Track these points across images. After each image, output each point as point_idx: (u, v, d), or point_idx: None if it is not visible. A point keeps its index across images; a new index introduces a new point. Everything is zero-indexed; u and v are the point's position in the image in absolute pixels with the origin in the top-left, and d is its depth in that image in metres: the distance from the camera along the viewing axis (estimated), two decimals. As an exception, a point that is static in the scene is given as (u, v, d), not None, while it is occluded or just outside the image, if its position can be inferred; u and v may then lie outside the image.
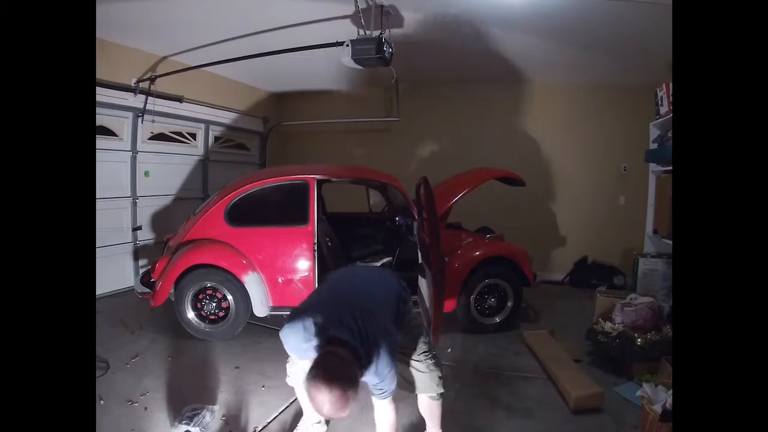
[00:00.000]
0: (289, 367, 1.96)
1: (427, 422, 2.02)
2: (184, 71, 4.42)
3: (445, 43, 4.09)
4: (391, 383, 1.58)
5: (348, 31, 3.50)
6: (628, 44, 3.75)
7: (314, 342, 1.48)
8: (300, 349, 1.54)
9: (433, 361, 1.90)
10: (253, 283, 3.23)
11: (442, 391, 1.91)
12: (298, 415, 2.25)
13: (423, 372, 1.87)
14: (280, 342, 1.59)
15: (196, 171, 5.37)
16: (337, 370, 1.33)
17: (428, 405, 1.96)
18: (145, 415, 2.28)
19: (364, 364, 1.46)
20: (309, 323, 1.50)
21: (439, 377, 1.90)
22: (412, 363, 1.86)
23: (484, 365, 3.00)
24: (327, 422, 2.19)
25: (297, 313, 1.58)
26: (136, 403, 2.38)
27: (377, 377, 1.53)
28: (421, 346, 1.88)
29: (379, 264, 3.62)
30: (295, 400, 2.47)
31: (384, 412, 1.70)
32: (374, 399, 1.68)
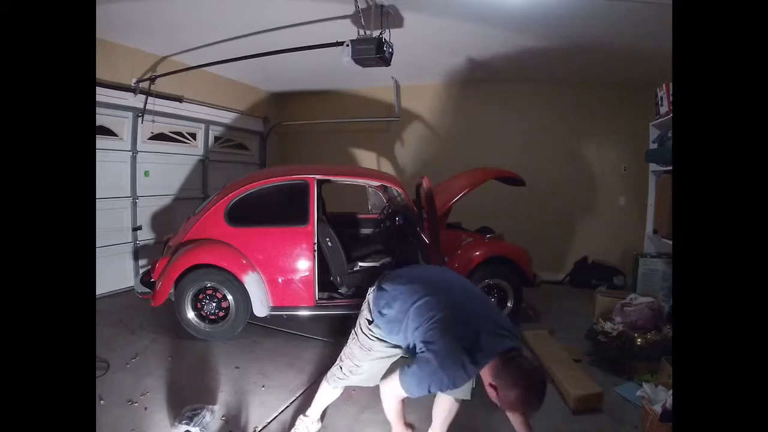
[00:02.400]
0: (356, 367, 1.85)
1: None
2: (184, 71, 4.42)
3: (445, 43, 4.10)
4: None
5: (348, 31, 3.50)
6: (628, 44, 3.75)
7: (479, 365, 1.47)
8: (462, 379, 1.51)
9: None
10: (253, 283, 3.23)
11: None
12: (297, 414, 2.25)
13: None
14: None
15: (196, 171, 5.37)
16: (532, 365, 1.46)
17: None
18: (145, 415, 2.28)
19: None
20: (465, 354, 1.45)
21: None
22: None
23: (484, 365, 3.00)
24: (321, 420, 2.19)
25: (451, 350, 1.48)
26: (136, 403, 2.38)
27: None
28: None
29: (378, 264, 3.62)
30: (295, 400, 2.48)
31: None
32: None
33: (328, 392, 2.01)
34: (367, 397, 2.40)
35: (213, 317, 3.31)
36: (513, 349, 1.50)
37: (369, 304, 1.80)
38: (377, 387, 1.78)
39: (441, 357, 1.48)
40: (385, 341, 1.75)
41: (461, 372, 1.47)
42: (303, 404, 2.39)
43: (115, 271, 4.43)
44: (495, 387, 1.45)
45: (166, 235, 4.00)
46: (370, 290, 1.83)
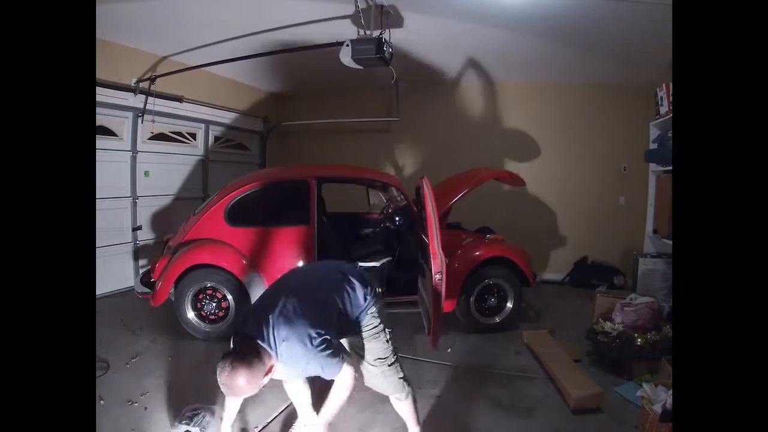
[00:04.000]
0: None
1: (405, 422, 2.02)
2: (184, 71, 4.42)
3: (445, 43, 4.10)
4: (323, 370, 1.63)
5: (348, 31, 3.50)
6: (629, 44, 3.75)
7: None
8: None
9: (388, 366, 1.87)
10: (253, 283, 3.23)
11: (404, 392, 1.92)
12: (295, 414, 2.25)
13: (377, 376, 1.88)
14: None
15: (196, 171, 5.37)
16: (235, 360, 1.48)
17: (397, 406, 1.97)
18: (145, 415, 2.28)
19: (270, 355, 1.56)
20: (241, 319, 1.72)
21: (399, 379, 1.89)
22: (368, 367, 1.87)
23: (484, 365, 3.00)
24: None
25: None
26: (136, 403, 2.38)
27: (294, 368, 1.63)
28: (376, 352, 1.85)
29: (379, 264, 3.61)
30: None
31: (336, 388, 1.71)
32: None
33: (286, 388, 2.09)
34: (369, 397, 2.39)
35: (213, 317, 3.31)
36: (247, 336, 1.58)
37: None
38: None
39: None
40: None
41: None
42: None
43: (115, 271, 4.43)
44: None
45: (166, 235, 4.00)
46: None
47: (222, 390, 1.50)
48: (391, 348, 1.89)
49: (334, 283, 1.83)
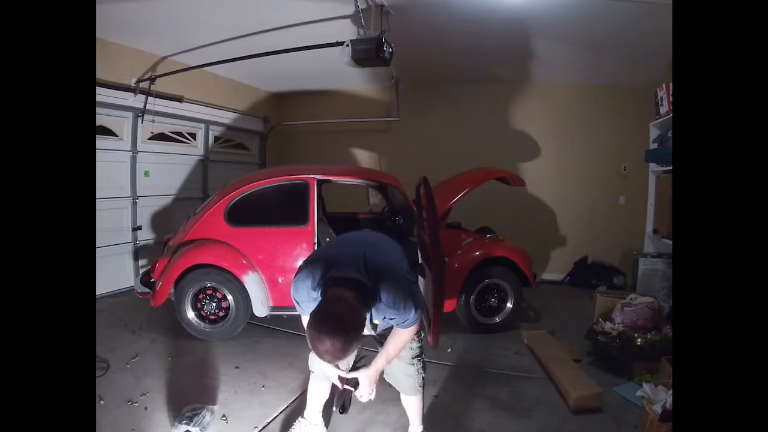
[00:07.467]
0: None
1: (409, 417, 2.03)
2: (184, 71, 4.42)
3: (445, 43, 4.10)
4: (412, 314, 1.52)
5: (348, 31, 3.50)
6: (628, 44, 3.75)
7: (320, 287, 1.47)
8: (310, 298, 1.51)
9: (422, 364, 1.89)
10: (253, 283, 3.23)
11: (421, 392, 1.93)
12: (297, 414, 2.25)
13: (410, 375, 1.87)
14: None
15: (196, 171, 5.37)
16: (340, 316, 1.29)
17: (407, 402, 1.97)
18: (145, 415, 2.28)
19: (372, 298, 1.43)
20: (317, 270, 1.50)
21: (423, 378, 1.91)
22: (401, 365, 1.84)
23: (484, 365, 3.00)
24: (326, 425, 2.18)
25: (305, 264, 1.60)
26: (136, 403, 2.38)
27: (394, 310, 1.48)
28: (415, 350, 1.86)
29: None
30: (296, 399, 2.48)
31: (401, 336, 1.64)
32: (396, 328, 1.62)
33: (311, 384, 2.03)
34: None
35: (213, 317, 3.31)
36: (341, 281, 1.42)
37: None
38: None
39: (303, 263, 1.63)
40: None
41: (303, 281, 1.53)
42: (303, 404, 2.38)
43: (115, 271, 4.43)
44: None
45: (166, 235, 4.00)
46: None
47: (322, 352, 1.26)
48: (421, 346, 1.90)
49: (395, 244, 1.78)
